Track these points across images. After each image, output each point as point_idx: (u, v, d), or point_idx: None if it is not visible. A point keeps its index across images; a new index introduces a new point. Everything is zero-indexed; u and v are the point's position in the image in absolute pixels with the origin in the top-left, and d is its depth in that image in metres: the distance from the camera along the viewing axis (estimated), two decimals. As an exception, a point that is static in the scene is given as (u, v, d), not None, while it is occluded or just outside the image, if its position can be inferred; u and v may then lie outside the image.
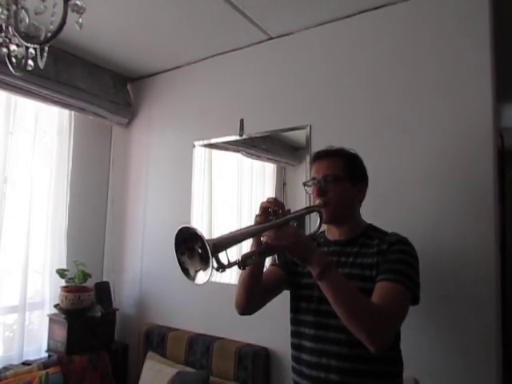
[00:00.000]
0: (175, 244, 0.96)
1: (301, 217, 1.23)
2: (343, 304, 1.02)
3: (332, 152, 1.30)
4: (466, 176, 1.62)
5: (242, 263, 1.03)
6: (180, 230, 0.95)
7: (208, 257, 0.89)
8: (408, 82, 1.79)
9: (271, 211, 1.10)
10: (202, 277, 0.94)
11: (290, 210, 1.15)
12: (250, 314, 1.30)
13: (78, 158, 2.71)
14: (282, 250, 1.07)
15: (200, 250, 0.94)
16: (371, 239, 1.22)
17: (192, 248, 0.95)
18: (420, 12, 1.78)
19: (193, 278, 0.96)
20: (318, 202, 1.23)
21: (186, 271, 0.97)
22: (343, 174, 1.24)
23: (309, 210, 1.27)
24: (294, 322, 1.29)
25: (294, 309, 1.30)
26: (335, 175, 1.23)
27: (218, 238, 0.95)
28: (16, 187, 2.38)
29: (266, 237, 1.05)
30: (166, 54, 2.51)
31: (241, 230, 1.05)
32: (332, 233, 1.31)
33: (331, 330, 1.15)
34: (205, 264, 0.92)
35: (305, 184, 1.31)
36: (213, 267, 0.91)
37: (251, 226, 1.07)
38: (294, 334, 1.28)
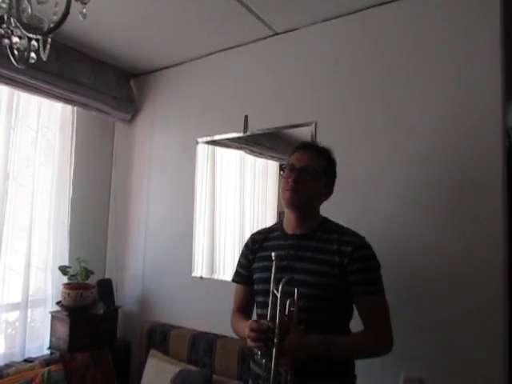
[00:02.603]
0: None
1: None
2: (356, 357, 1.27)
3: (318, 148, 1.37)
4: (473, 176, 1.59)
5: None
6: None
7: None
8: (416, 79, 1.76)
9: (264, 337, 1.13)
10: None
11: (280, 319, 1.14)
12: None
13: (81, 154, 2.69)
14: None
15: None
16: (328, 233, 1.29)
17: None
18: (429, 8, 1.75)
19: None
20: (290, 185, 1.27)
21: None
22: (321, 172, 1.30)
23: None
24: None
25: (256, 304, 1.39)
26: (315, 169, 1.29)
27: None
28: (18, 184, 2.36)
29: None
30: (169, 50, 2.49)
31: None
32: (291, 226, 1.34)
33: None
34: None
35: (281, 167, 1.38)
36: None
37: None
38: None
